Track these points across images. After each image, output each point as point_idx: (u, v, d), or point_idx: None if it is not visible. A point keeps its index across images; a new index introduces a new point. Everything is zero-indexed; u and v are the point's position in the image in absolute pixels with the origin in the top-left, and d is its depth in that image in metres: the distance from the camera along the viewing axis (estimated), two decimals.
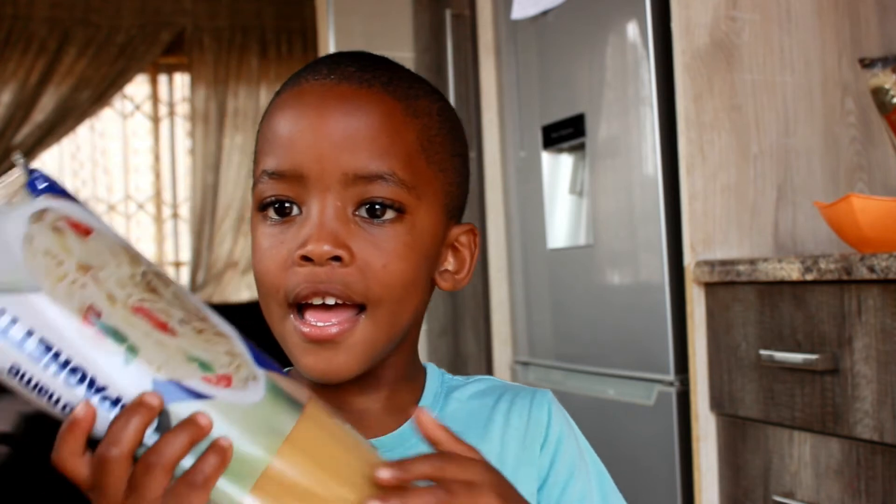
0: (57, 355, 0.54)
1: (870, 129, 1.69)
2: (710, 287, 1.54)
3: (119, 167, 4.86)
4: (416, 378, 0.79)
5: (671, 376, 1.63)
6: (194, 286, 4.89)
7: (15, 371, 0.54)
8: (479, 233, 0.80)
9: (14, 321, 0.53)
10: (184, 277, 4.96)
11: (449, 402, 0.78)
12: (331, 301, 0.67)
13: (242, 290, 4.98)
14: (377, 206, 0.68)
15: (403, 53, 2.61)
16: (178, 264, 5.02)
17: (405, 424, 0.75)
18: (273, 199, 0.69)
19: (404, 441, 0.74)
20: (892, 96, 1.55)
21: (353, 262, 0.67)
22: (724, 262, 1.49)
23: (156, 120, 4.94)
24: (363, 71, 0.71)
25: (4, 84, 4.53)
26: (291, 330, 0.68)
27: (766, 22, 1.63)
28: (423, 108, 0.72)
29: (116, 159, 4.85)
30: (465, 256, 0.77)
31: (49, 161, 4.69)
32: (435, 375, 0.80)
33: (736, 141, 1.60)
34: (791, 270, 1.35)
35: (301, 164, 0.68)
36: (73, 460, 0.55)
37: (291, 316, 0.68)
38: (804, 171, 1.65)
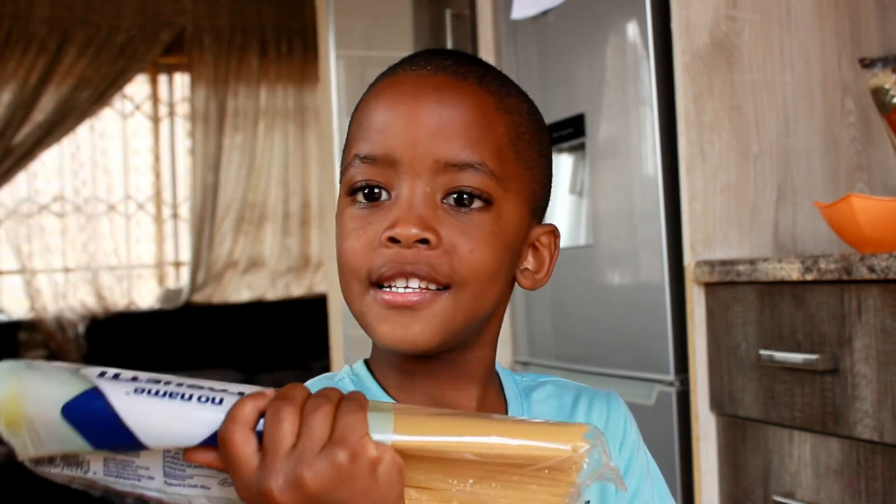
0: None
1: (870, 129, 1.69)
2: (710, 287, 1.54)
3: (119, 167, 4.86)
4: (496, 378, 0.81)
5: (671, 376, 1.63)
6: (194, 286, 4.89)
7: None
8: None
9: None
10: (184, 277, 4.96)
11: (529, 403, 0.80)
12: (414, 284, 0.68)
13: (242, 290, 4.98)
14: (465, 196, 0.69)
15: (403, 53, 2.60)
16: (178, 264, 5.02)
17: None
18: (363, 183, 0.70)
19: None
20: (892, 96, 1.55)
21: (439, 245, 0.68)
22: (724, 262, 1.49)
23: (156, 120, 4.94)
24: (459, 65, 0.72)
25: (4, 84, 4.53)
26: (370, 302, 0.69)
27: (766, 22, 1.63)
28: (513, 106, 0.74)
29: (116, 159, 4.85)
30: (544, 256, 0.79)
31: (49, 161, 4.70)
32: (507, 376, 0.82)
33: (736, 141, 1.60)
34: (791, 270, 1.35)
35: (394, 149, 0.69)
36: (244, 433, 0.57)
37: (372, 290, 0.69)
38: (804, 171, 1.65)
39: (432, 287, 0.68)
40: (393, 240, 0.68)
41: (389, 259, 0.68)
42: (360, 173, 0.70)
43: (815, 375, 1.33)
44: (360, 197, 0.71)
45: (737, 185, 1.59)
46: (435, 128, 0.69)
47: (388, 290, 0.69)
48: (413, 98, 0.70)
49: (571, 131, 1.88)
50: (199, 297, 4.89)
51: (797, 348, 1.36)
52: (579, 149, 1.90)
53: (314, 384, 0.78)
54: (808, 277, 1.32)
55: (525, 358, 2.11)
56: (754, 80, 1.62)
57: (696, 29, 1.58)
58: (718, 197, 1.58)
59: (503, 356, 2.18)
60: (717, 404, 1.53)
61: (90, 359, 4.62)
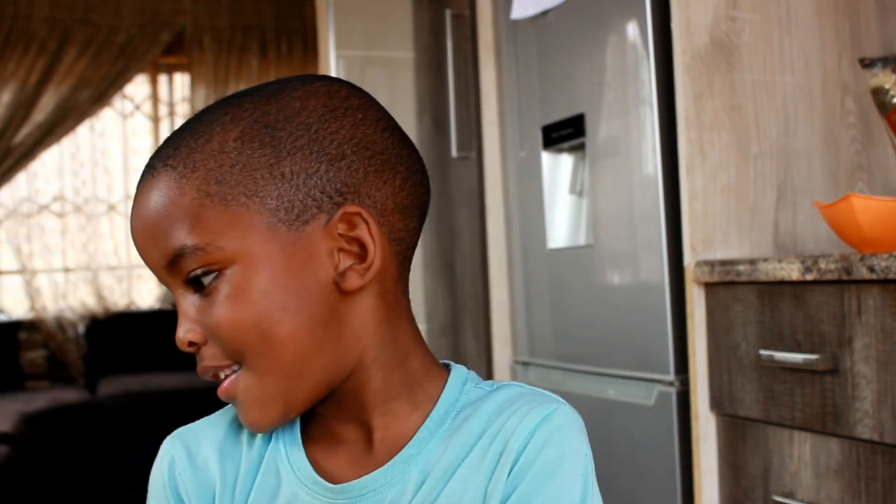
0: None
1: (870, 129, 1.69)
2: (710, 287, 1.54)
3: (119, 167, 4.86)
4: (420, 397, 0.73)
5: (671, 376, 1.63)
6: None
7: None
8: (433, 223, 0.76)
9: None
10: None
11: (467, 420, 0.71)
12: (222, 375, 0.70)
13: None
14: (193, 280, 0.68)
15: (403, 53, 2.61)
16: None
17: (390, 462, 0.70)
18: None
19: (387, 480, 0.70)
20: (892, 96, 1.55)
21: (202, 337, 0.69)
22: (724, 262, 1.49)
23: (156, 120, 4.95)
24: (154, 158, 0.71)
25: (4, 84, 4.53)
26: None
27: (766, 22, 1.63)
28: (208, 153, 0.68)
29: (116, 159, 4.86)
30: (364, 239, 0.69)
31: (49, 161, 4.70)
32: (453, 389, 0.73)
33: (736, 141, 1.60)
34: (791, 270, 1.35)
35: (151, 270, 0.72)
36: None
37: None
38: (804, 171, 1.65)
39: (234, 368, 0.70)
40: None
41: (197, 363, 0.71)
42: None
43: (815, 375, 1.33)
44: None
45: (737, 185, 1.59)
46: (142, 239, 0.70)
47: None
48: (131, 218, 0.72)
49: (571, 131, 1.88)
50: None
51: (797, 348, 1.36)
52: (579, 149, 1.90)
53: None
54: (808, 277, 1.32)
55: (525, 358, 2.11)
56: (754, 80, 1.62)
57: (696, 29, 1.58)
58: (718, 197, 1.58)
59: (503, 356, 2.18)
60: (717, 404, 1.53)
61: (90, 359, 4.63)
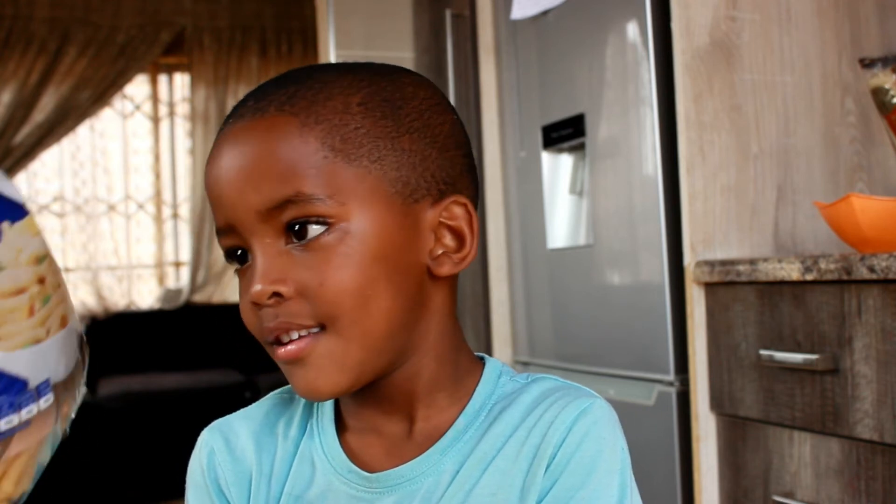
0: None
1: (870, 129, 1.69)
2: (710, 287, 1.54)
3: (119, 167, 4.86)
4: (459, 390, 0.74)
5: (671, 376, 1.63)
6: (194, 286, 4.89)
7: None
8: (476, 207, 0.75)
9: None
10: (184, 277, 4.96)
11: (503, 412, 0.71)
12: (294, 335, 0.67)
13: None
14: (297, 227, 0.66)
15: (403, 53, 2.61)
16: (178, 264, 5.02)
17: (426, 452, 0.71)
18: (227, 251, 0.70)
19: (423, 469, 0.70)
20: (892, 96, 1.55)
21: (293, 292, 0.66)
22: (724, 262, 1.49)
23: (156, 120, 4.94)
24: (259, 100, 0.69)
25: (4, 84, 4.53)
26: (276, 358, 0.69)
27: (766, 22, 1.63)
28: (331, 109, 0.68)
29: (116, 159, 4.86)
30: (463, 230, 0.71)
31: (49, 161, 4.70)
32: (489, 382, 0.74)
33: (736, 141, 1.60)
34: (791, 270, 1.35)
35: (227, 218, 0.68)
36: None
37: (271, 348, 0.69)
38: (804, 171, 1.65)
39: (314, 331, 0.67)
40: (256, 304, 0.67)
41: (263, 321, 0.67)
42: (223, 243, 0.70)
43: (815, 375, 1.33)
44: (234, 263, 0.71)
45: (737, 185, 1.59)
46: (242, 181, 0.67)
47: (278, 345, 0.68)
48: (221, 160, 0.68)
49: (571, 131, 1.88)
50: (199, 297, 4.89)
51: (797, 348, 1.36)
52: (579, 149, 1.90)
53: (274, 395, 0.80)
54: (808, 277, 1.32)
55: (525, 358, 2.11)
56: (754, 80, 1.62)
57: (696, 29, 1.58)
58: (718, 197, 1.58)
59: (503, 356, 2.18)
60: (717, 404, 1.53)
61: (90, 359, 4.62)
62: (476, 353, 0.78)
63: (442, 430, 0.72)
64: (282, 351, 0.67)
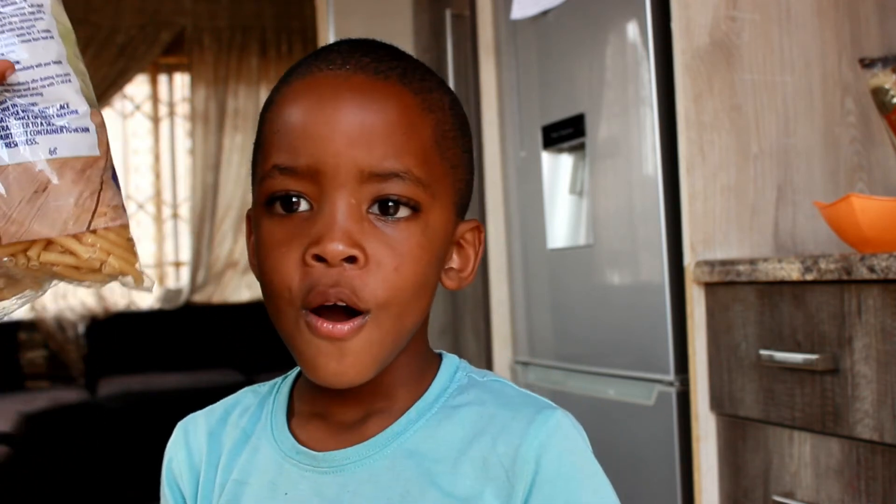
0: None
1: (870, 129, 1.69)
2: (710, 287, 1.54)
3: (119, 167, 4.85)
4: (419, 383, 0.73)
5: (671, 376, 1.63)
6: (194, 286, 4.89)
7: None
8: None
9: None
10: (184, 277, 4.96)
11: (458, 410, 0.71)
12: (341, 304, 0.65)
13: (242, 290, 4.98)
14: (391, 204, 0.65)
15: None
16: (178, 264, 5.02)
17: (374, 437, 0.70)
18: (283, 193, 0.66)
19: (370, 453, 0.70)
20: (892, 96, 1.55)
21: (366, 263, 0.64)
22: (724, 262, 1.49)
23: (156, 120, 4.95)
24: (379, 62, 0.68)
25: None
26: (303, 328, 0.65)
27: (766, 22, 1.63)
28: (437, 102, 0.69)
29: (116, 159, 4.83)
30: (469, 254, 0.74)
31: None
32: (446, 374, 0.74)
33: (736, 141, 1.60)
34: (791, 270, 1.35)
35: (315, 160, 0.64)
36: None
37: (303, 315, 0.65)
38: (804, 171, 1.65)
39: (367, 317, 0.65)
40: (319, 258, 0.64)
41: (315, 281, 0.64)
42: (279, 184, 0.66)
43: (815, 375, 1.33)
44: (278, 207, 0.66)
45: (737, 185, 1.59)
46: (357, 135, 0.64)
47: (317, 316, 0.65)
48: (332, 102, 0.65)
49: (571, 131, 1.88)
50: (200, 297, 4.90)
51: (797, 348, 1.36)
52: (579, 149, 1.90)
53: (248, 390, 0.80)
54: (808, 277, 1.32)
55: (525, 358, 2.11)
56: (754, 80, 1.62)
57: (696, 29, 1.58)
58: (718, 197, 1.58)
59: (503, 356, 2.18)
60: (717, 404, 1.53)
61: (90, 359, 4.63)
62: (435, 350, 0.78)
63: (394, 418, 0.71)
64: (329, 327, 0.64)
